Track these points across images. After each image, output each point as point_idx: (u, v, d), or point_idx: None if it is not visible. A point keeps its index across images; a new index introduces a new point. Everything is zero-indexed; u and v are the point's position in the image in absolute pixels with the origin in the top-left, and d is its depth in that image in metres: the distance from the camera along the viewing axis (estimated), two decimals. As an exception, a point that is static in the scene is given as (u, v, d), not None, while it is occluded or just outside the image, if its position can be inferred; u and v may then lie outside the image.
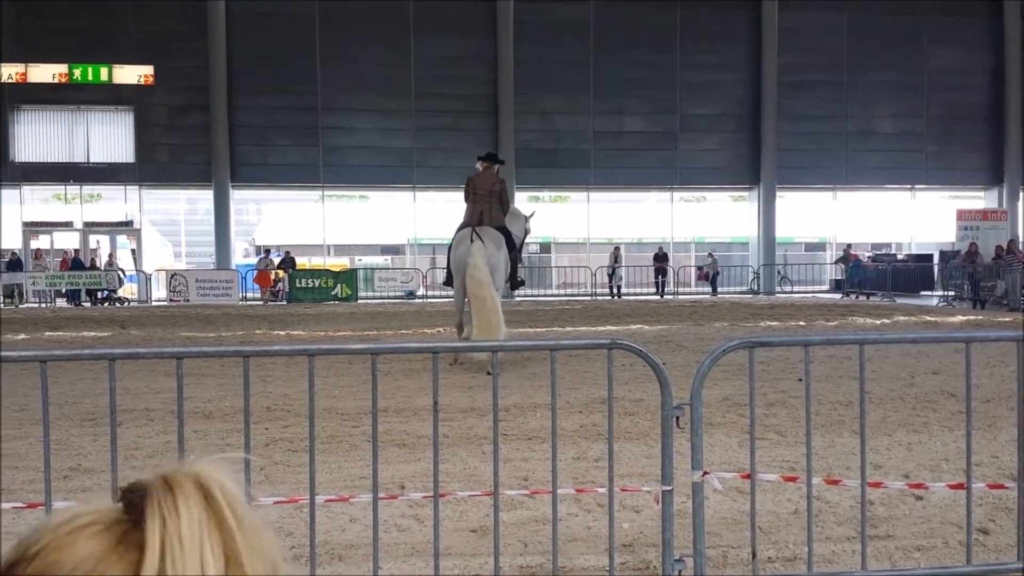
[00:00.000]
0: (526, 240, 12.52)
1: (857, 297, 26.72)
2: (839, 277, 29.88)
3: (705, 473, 3.46)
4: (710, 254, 30.93)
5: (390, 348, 3.94)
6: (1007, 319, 17.80)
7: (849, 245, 30.49)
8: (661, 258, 29.79)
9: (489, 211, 10.85)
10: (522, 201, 27.48)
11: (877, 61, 31.78)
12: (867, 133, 32.35)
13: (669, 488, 3.44)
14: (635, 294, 29.10)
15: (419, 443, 6.17)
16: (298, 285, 26.99)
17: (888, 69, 31.89)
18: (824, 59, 31.76)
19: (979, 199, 33.29)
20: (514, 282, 11.60)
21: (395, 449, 6.03)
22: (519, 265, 11.93)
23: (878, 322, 17.16)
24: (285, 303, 26.40)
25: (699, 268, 29.88)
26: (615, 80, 30.74)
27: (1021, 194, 32.40)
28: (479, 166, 11.38)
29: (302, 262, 29.53)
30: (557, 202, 31.25)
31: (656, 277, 29.62)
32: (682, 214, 32.57)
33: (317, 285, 27.08)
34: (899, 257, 31.20)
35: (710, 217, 33.29)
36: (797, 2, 31.20)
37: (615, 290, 29.09)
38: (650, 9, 30.73)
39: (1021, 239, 27.74)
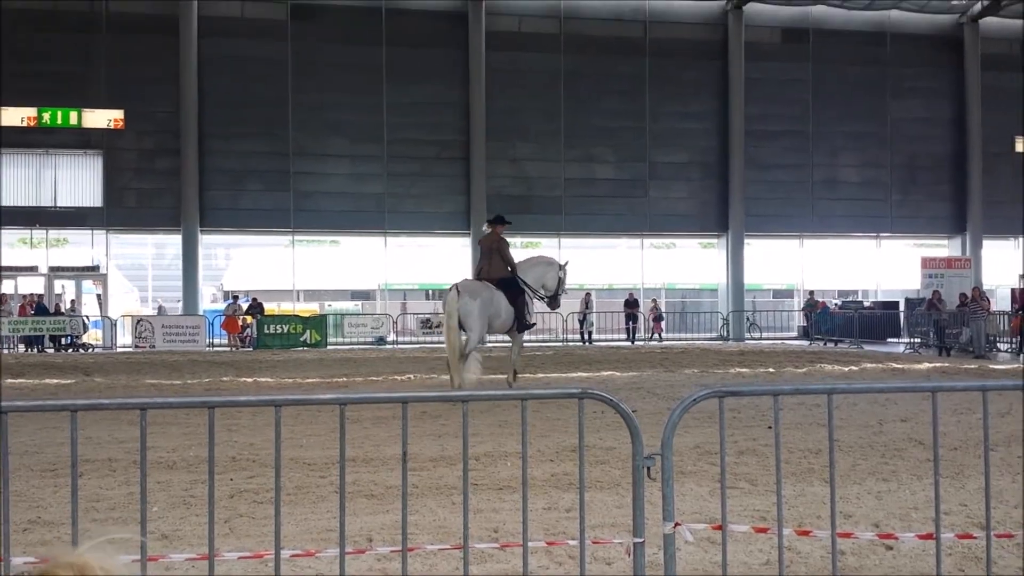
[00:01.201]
0: (562, 289, 13.61)
1: (825, 344, 26.93)
2: (806, 324, 30.13)
3: (677, 524, 3.43)
4: (653, 300, 30.88)
5: (359, 398, 3.89)
6: (973, 366, 18.01)
7: (812, 292, 30.87)
8: (632, 304, 29.89)
9: (489, 266, 12.74)
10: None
11: (841, 112, 32.46)
12: (832, 182, 32.89)
13: (640, 540, 3.41)
14: (606, 340, 29.14)
15: (388, 493, 6.08)
16: (266, 331, 26.75)
17: (852, 120, 32.59)
18: (790, 110, 32.39)
19: (943, 247, 33.82)
20: (521, 324, 12.81)
21: (363, 500, 5.94)
22: (531, 310, 13.56)
23: (846, 369, 17.28)
24: (252, 349, 26.13)
25: (654, 321, 29.85)
26: (586, 128, 31.09)
27: (984, 242, 33.02)
28: (486, 228, 13.52)
29: (271, 307, 29.27)
30: (528, 248, 31.29)
31: (627, 323, 29.68)
32: (652, 261, 32.78)
33: (286, 331, 26.87)
34: (866, 304, 31.57)
35: (680, 264, 33.54)
36: (763, 54, 31.87)
37: (586, 336, 29.10)
38: (620, 59, 31.23)
39: (984, 286, 28.21)
